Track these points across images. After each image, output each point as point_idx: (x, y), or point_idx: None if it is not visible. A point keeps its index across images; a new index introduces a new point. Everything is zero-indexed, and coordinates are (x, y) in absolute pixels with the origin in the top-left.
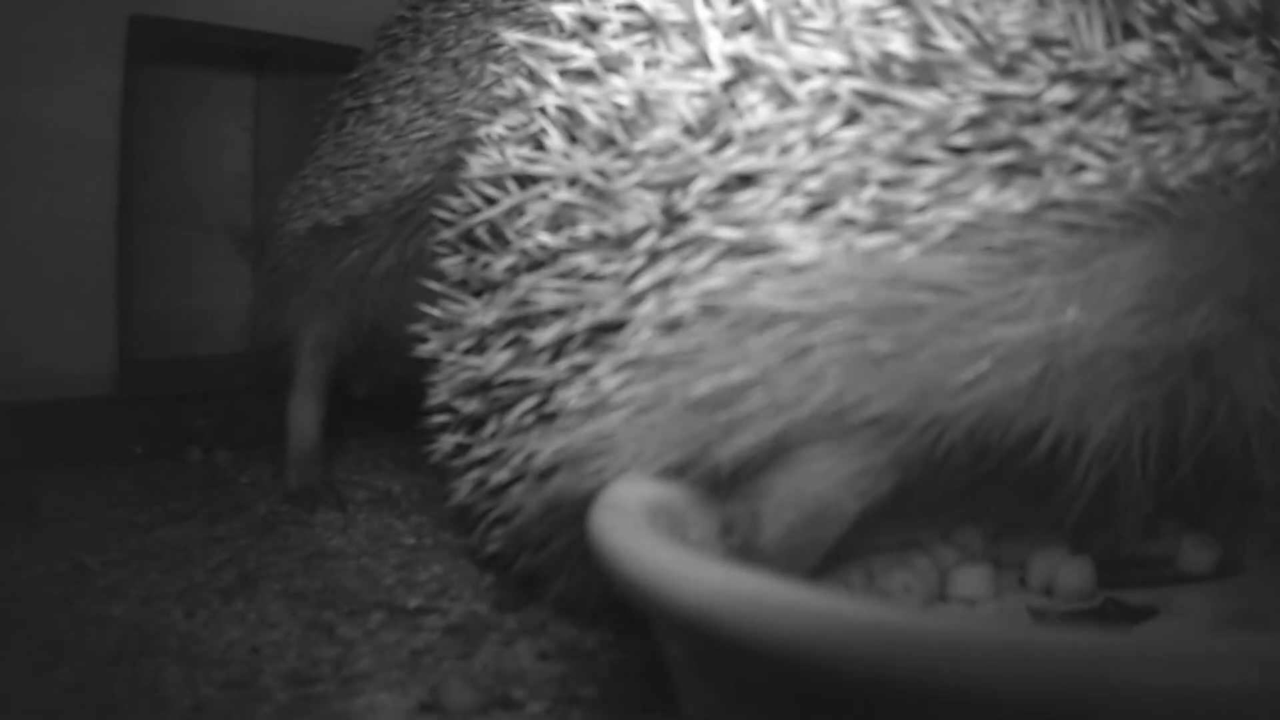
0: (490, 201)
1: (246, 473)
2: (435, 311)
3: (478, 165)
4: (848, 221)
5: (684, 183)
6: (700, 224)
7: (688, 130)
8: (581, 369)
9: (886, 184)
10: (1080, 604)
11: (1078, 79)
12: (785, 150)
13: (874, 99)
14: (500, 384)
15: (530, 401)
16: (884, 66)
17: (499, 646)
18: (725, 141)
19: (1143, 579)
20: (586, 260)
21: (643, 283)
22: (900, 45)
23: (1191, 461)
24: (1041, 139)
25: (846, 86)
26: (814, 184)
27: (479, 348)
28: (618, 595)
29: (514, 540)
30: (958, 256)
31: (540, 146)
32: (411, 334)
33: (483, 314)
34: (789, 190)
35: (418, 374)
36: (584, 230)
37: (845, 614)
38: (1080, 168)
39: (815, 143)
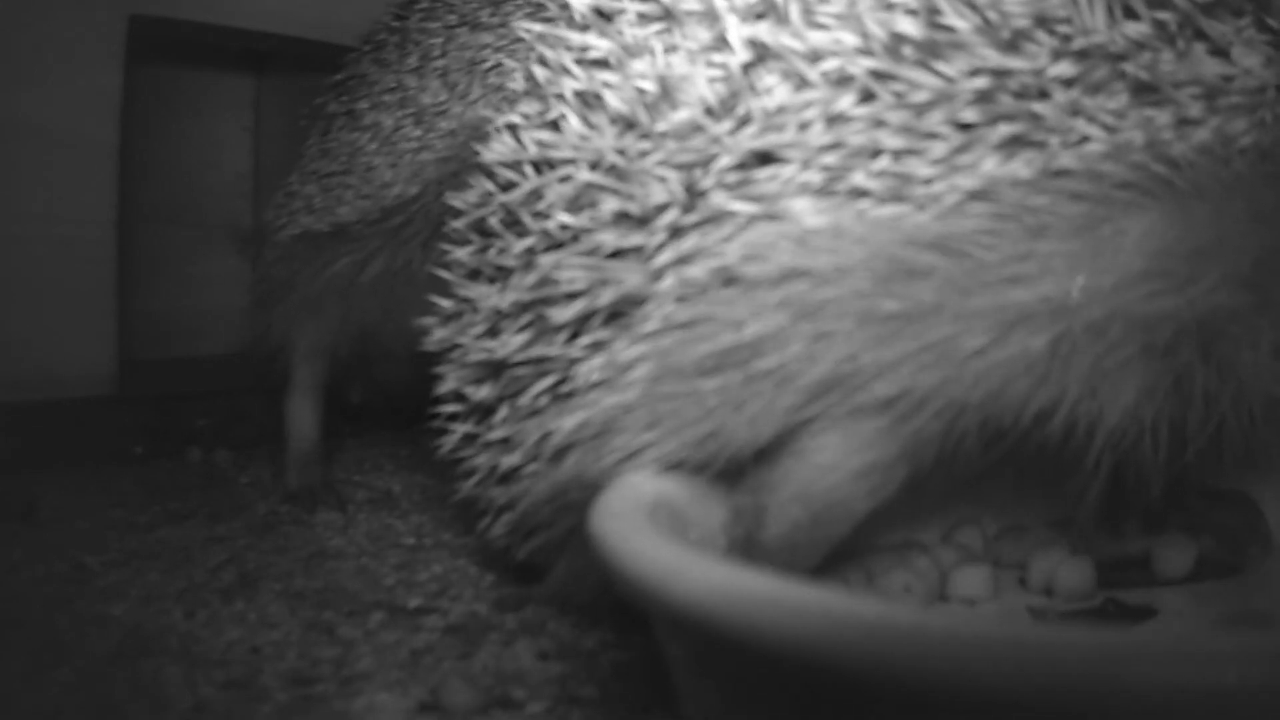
0: (506, 188)
1: (246, 473)
2: (443, 302)
3: (493, 153)
4: (861, 193)
5: (705, 162)
6: (720, 199)
7: (709, 111)
8: (600, 345)
9: (898, 155)
10: (1080, 604)
11: (1080, 55)
12: (803, 127)
13: (886, 77)
14: (515, 364)
15: (546, 381)
16: (894, 47)
17: (499, 646)
18: (745, 121)
19: (1142, 579)
20: (608, 238)
21: (664, 258)
22: (910, 26)
23: (1191, 453)
24: (1046, 112)
25: (860, 66)
26: (830, 159)
27: (492, 332)
28: (618, 595)
29: (518, 527)
30: (966, 221)
31: (559, 132)
32: (404, 339)
33: (498, 297)
34: (806, 165)
35: (409, 379)
36: (605, 210)
37: (850, 613)
38: (1084, 139)
39: (831, 120)
